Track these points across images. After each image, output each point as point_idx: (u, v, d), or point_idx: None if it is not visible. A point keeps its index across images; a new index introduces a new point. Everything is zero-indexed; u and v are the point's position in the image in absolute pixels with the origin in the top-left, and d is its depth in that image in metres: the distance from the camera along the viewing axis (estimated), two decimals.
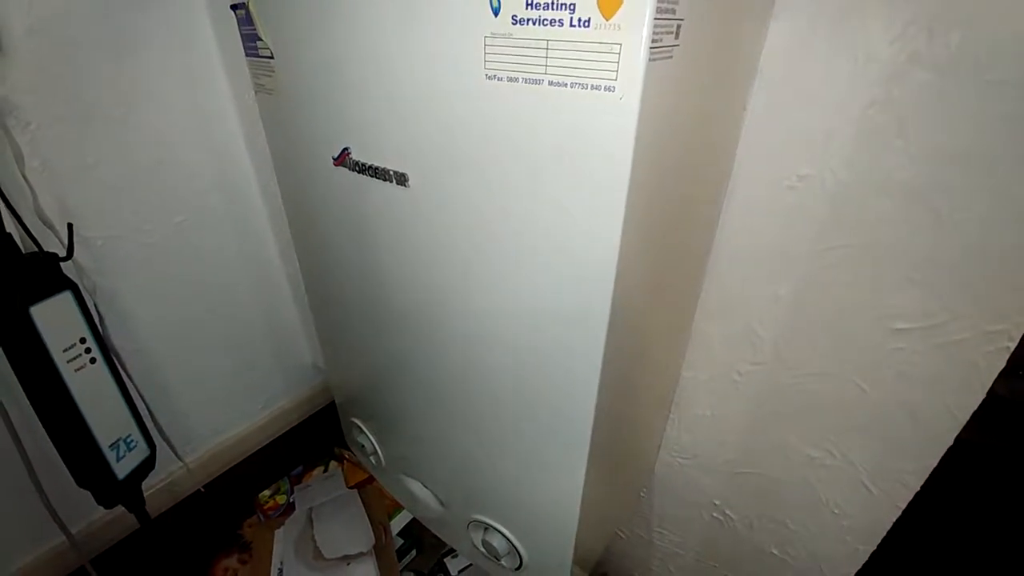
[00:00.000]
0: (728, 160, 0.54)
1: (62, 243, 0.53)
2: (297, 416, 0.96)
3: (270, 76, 0.48)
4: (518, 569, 0.60)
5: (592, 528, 0.56)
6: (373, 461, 0.76)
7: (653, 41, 0.27)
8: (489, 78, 0.32)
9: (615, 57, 0.27)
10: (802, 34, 0.46)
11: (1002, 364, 0.47)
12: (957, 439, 0.53)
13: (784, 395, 0.63)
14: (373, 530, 0.86)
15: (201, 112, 0.67)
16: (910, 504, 0.58)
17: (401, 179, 0.40)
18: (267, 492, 0.98)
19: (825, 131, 0.48)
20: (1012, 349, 0.46)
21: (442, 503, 0.67)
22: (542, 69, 0.30)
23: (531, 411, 0.47)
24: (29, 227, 0.51)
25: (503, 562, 0.61)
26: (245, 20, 0.47)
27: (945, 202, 0.45)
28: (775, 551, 0.75)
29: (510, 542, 0.58)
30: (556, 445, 0.47)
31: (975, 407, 0.50)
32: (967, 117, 0.41)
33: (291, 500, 0.97)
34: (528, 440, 0.50)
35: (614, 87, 0.28)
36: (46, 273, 0.52)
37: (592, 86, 0.29)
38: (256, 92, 0.52)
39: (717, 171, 0.53)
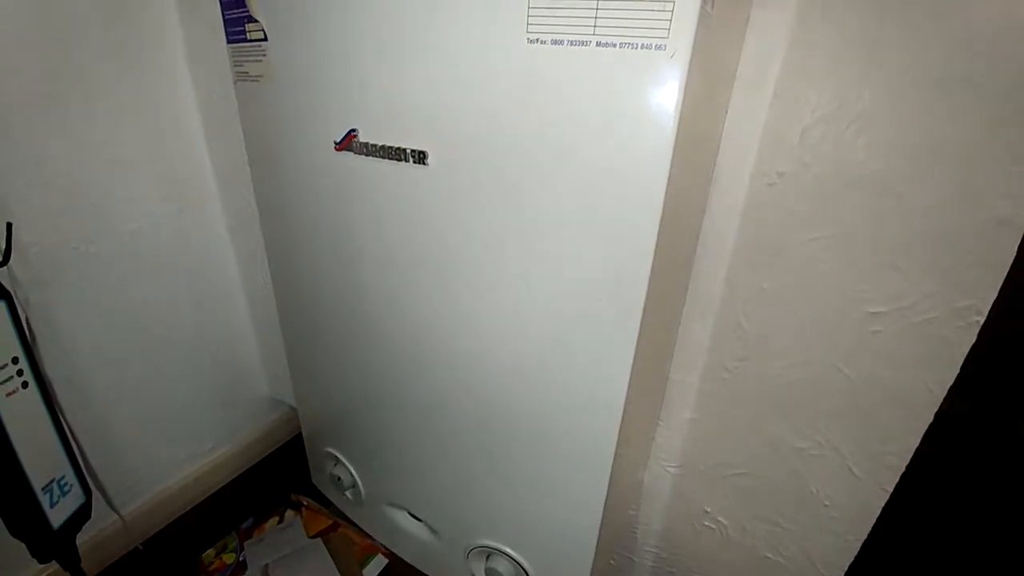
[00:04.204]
0: (711, 161, 0.57)
1: None
2: (249, 458, 0.86)
3: (259, 61, 0.45)
4: None
5: (604, 545, 0.53)
6: (350, 496, 0.68)
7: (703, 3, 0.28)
8: (531, 41, 0.31)
9: (668, 15, 0.28)
10: (775, 44, 0.50)
11: (973, 338, 0.51)
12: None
13: (771, 387, 0.64)
14: None
15: (161, 111, 0.61)
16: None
17: (419, 157, 0.38)
18: (211, 551, 0.85)
19: (800, 130, 0.52)
20: (981, 322, 0.50)
21: (434, 531, 0.61)
22: (590, 30, 0.30)
23: (551, 425, 0.45)
24: None
25: None
26: (231, 2, 0.44)
27: (907, 189, 0.50)
28: (768, 554, 0.74)
29: (519, 566, 0.54)
30: (576, 460, 0.45)
31: (951, 382, 0.54)
32: (920, 113, 0.47)
33: (241, 558, 0.84)
34: (544, 458, 0.47)
35: (665, 45, 0.28)
36: None
37: (643, 45, 0.29)
38: (236, 81, 0.49)
39: (703, 170, 0.55)
